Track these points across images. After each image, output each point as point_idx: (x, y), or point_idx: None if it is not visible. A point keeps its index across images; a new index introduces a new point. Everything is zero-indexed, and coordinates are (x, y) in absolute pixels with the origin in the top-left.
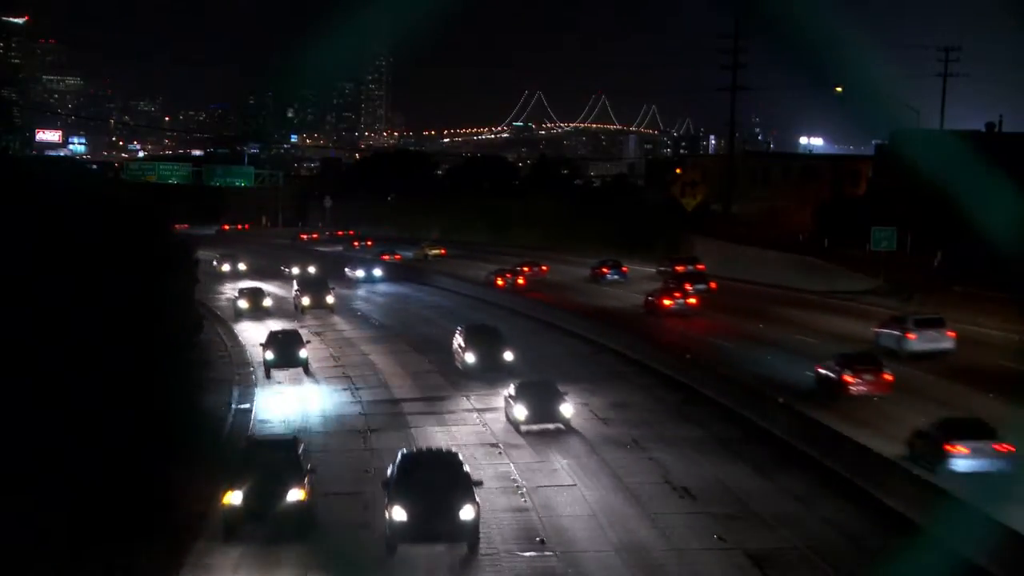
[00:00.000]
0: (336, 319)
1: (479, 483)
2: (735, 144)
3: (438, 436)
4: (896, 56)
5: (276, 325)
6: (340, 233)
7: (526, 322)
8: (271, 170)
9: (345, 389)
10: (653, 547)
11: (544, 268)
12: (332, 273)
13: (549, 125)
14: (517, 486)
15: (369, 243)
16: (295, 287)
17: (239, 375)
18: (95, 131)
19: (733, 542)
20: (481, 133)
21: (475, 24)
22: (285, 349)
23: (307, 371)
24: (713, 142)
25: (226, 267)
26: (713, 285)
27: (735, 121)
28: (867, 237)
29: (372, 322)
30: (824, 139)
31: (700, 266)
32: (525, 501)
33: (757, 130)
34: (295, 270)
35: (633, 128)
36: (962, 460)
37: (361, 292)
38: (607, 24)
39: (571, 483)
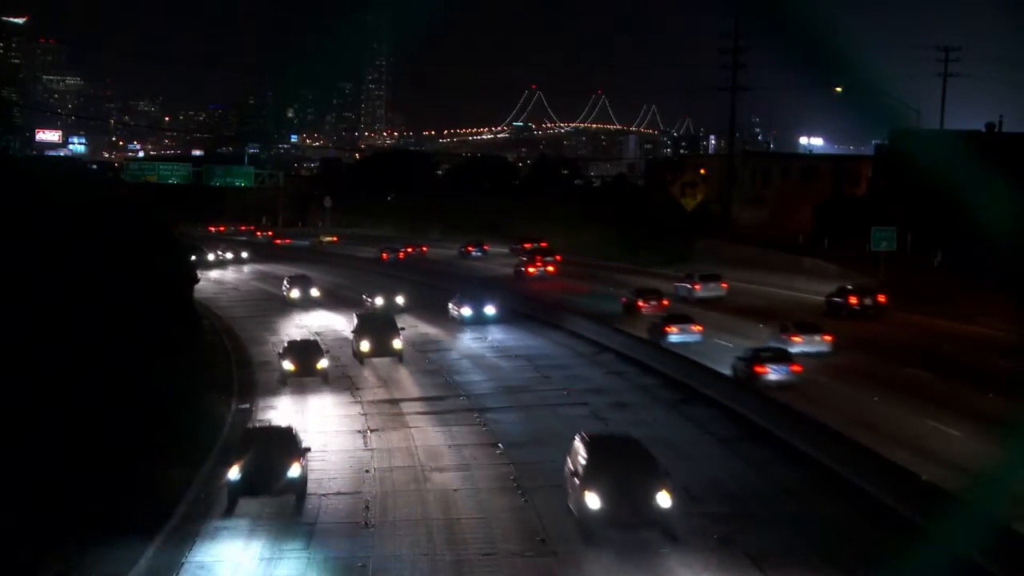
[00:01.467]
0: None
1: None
2: (735, 144)
3: None
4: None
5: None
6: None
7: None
8: (271, 170)
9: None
10: (653, 547)
11: (424, 248)
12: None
13: (549, 125)
14: (517, 486)
15: (335, 239)
16: (353, 324)
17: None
18: (95, 131)
19: (732, 542)
20: (481, 133)
21: (475, 24)
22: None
23: None
24: (713, 142)
25: (295, 293)
26: (559, 258)
27: (735, 121)
28: (867, 237)
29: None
30: (824, 139)
31: (544, 243)
32: (525, 501)
33: (757, 130)
34: (379, 300)
35: (633, 128)
36: (768, 377)
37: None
38: (607, 24)
39: None
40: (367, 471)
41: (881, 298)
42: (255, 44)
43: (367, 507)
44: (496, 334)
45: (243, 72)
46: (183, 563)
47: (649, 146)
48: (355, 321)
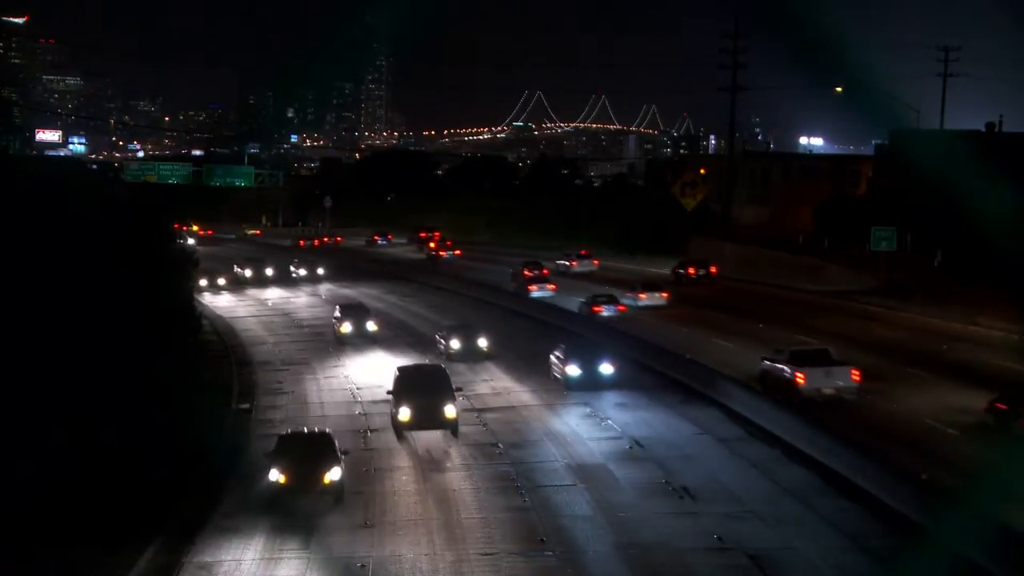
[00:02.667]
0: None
1: None
2: (735, 144)
3: None
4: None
5: None
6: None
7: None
8: (271, 170)
9: None
10: (653, 547)
11: (339, 239)
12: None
13: (549, 125)
14: (517, 486)
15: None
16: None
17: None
18: (95, 131)
19: (733, 542)
20: (481, 133)
21: (475, 24)
22: None
23: None
24: (713, 142)
25: (347, 328)
26: (450, 244)
27: (735, 121)
28: (867, 237)
29: None
30: (824, 139)
31: (437, 233)
32: (525, 501)
33: (757, 130)
34: (454, 343)
35: (633, 128)
36: (602, 314)
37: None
38: (607, 24)
39: (571, 483)
40: (367, 471)
41: (713, 269)
42: (255, 44)
43: (367, 507)
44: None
45: (243, 72)
46: (183, 563)
47: (649, 146)
48: (396, 376)
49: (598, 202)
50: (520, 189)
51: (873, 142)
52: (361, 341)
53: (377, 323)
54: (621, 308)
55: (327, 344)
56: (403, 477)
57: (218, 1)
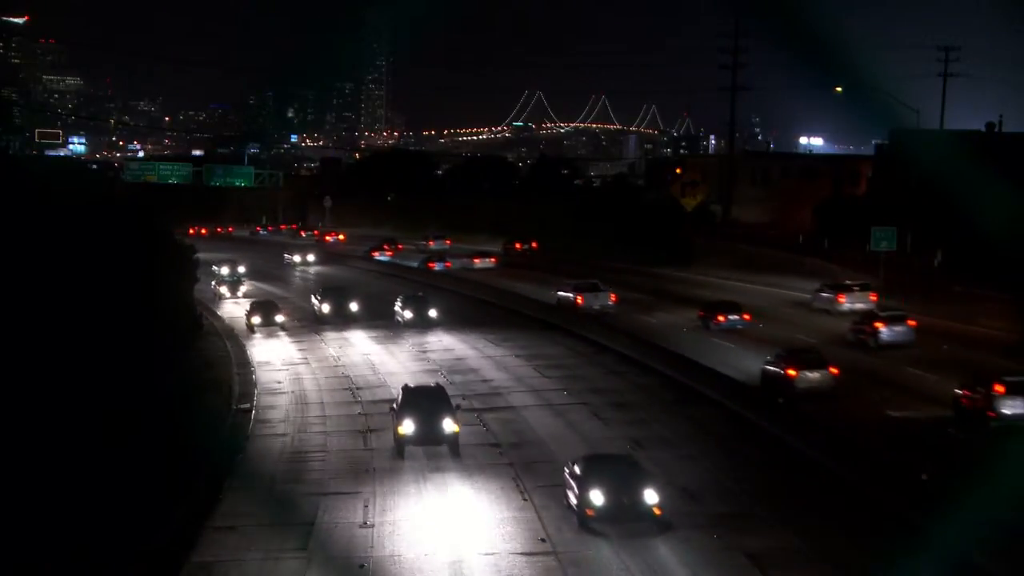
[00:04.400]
0: None
1: None
2: (735, 144)
3: None
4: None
5: None
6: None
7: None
8: (271, 170)
9: None
10: (653, 547)
11: (231, 228)
12: None
13: (549, 125)
14: (517, 486)
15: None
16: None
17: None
18: (95, 131)
19: (733, 542)
20: (481, 133)
21: (475, 24)
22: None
23: None
24: (713, 142)
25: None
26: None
27: (735, 121)
28: (867, 237)
29: None
30: (824, 139)
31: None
32: (525, 501)
33: (757, 130)
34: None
35: (633, 128)
36: (434, 270)
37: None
38: (607, 24)
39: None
40: (367, 471)
41: (534, 244)
42: (255, 44)
43: (367, 507)
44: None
45: (243, 72)
46: (183, 564)
47: (649, 146)
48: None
49: (598, 202)
50: (520, 189)
51: (873, 142)
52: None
53: None
54: (448, 264)
55: None
56: (403, 477)
57: (218, 1)
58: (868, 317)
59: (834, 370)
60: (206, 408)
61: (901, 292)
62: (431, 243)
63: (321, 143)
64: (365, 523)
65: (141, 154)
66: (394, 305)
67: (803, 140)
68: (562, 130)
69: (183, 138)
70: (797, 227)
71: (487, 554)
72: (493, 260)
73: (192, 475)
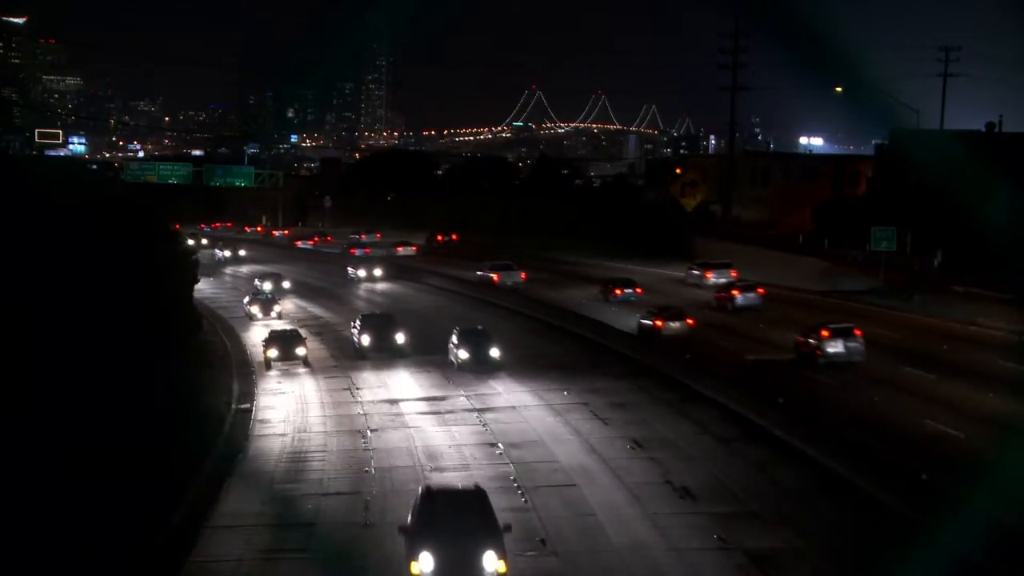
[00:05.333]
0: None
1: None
2: (735, 144)
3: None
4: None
5: None
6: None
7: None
8: (271, 170)
9: None
10: (653, 547)
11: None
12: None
13: (549, 125)
14: (517, 486)
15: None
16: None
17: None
18: (95, 131)
19: (733, 542)
20: (481, 133)
21: (475, 24)
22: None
23: None
24: (713, 142)
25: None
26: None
27: (735, 121)
28: (867, 237)
29: None
30: (824, 139)
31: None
32: (525, 501)
33: (757, 130)
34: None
35: (633, 128)
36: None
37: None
38: (607, 24)
39: (571, 483)
40: (367, 471)
41: (454, 236)
42: (255, 44)
43: (367, 507)
44: None
45: (243, 72)
46: (183, 564)
47: (649, 146)
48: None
49: (597, 202)
50: (520, 189)
51: (873, 142)
52: None
53: None
54: (367, 251)
55: None
56: (403, 477)
57: (219, 1)
58: (727, 287)
59: (690, 321)
60: (206, 408)
61: (901, 292)
62: (363, 236)
63: (321, 143)
64: (365, 523)
65: (141, 154)
66: (450, 338)
67: (803, 140)
68: (562, 130)
69: (183, 138)
70: (797, 227)
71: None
72: (414, 248)
73: (192, 475)
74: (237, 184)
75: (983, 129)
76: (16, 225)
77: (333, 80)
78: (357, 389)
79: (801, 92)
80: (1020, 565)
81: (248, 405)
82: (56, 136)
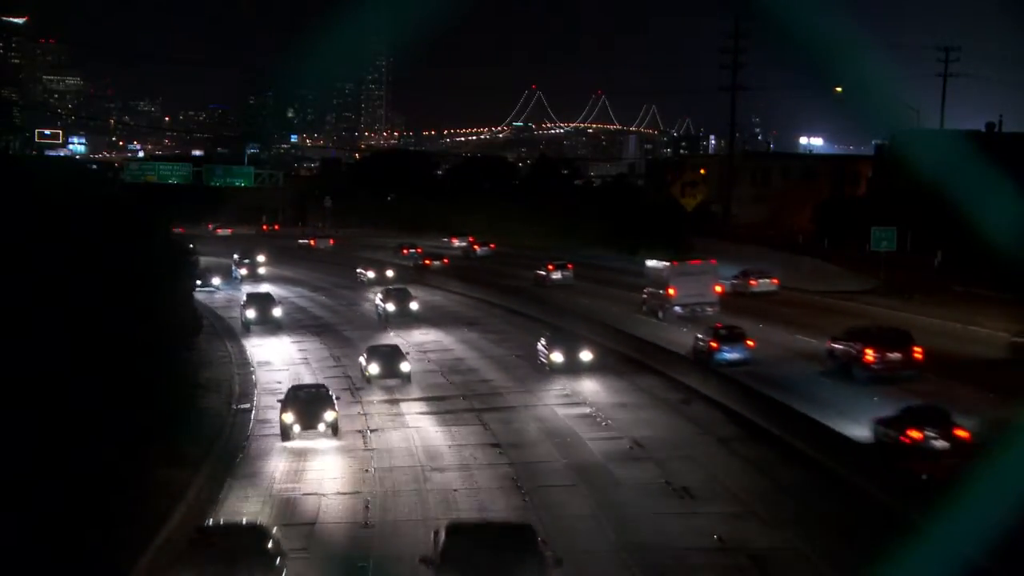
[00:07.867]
0: None
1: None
2: (735, 144)
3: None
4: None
5: None
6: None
7: None
8: (271, 170)
9: None
10: (653, 547)
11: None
12: None
13: (549, 125)
14: (517, 486)
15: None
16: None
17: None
18: (95, 131)
19: (733, 542)
20: (481, 133)
21: (475, 24)
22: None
23: None
24: (713, 142)
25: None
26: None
27: (735, 121)
28: (867, 237)
29: None
30: (824, 139)
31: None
32: (526, 501)
33: (757, 130)
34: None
35: (633, 128)
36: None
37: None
38: (607, 24)
39: (571, 483)
40: (367, 471)
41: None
42: (255, 44)
43: (367, 507)
44: None
45: (243, 72)
46: None
47: (649, 146)
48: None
49: (597, 202)
50: (520, 189)
51: (873, 142)
52: None
53: None
54: (312, 241)
55: None
56: (403, 477)
57: (219, 1)
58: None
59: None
60: (206, 408)
61: (901, 292)
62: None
63: (321, 143)
64: (365, 523)
65: (141, 154)
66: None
67: (803, 140)
68: (562, 130)
69: (183, 138)
70: (797, 227)
71: None
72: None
73: (192, 475)
74: (237, 184)
75: (983, 129)
76: (16, 225)
77: (333, 80)
78: (358, 389)
79: (801, 92)
80: (1020, 565)
81: (248, 405)
82: (56, 136)
